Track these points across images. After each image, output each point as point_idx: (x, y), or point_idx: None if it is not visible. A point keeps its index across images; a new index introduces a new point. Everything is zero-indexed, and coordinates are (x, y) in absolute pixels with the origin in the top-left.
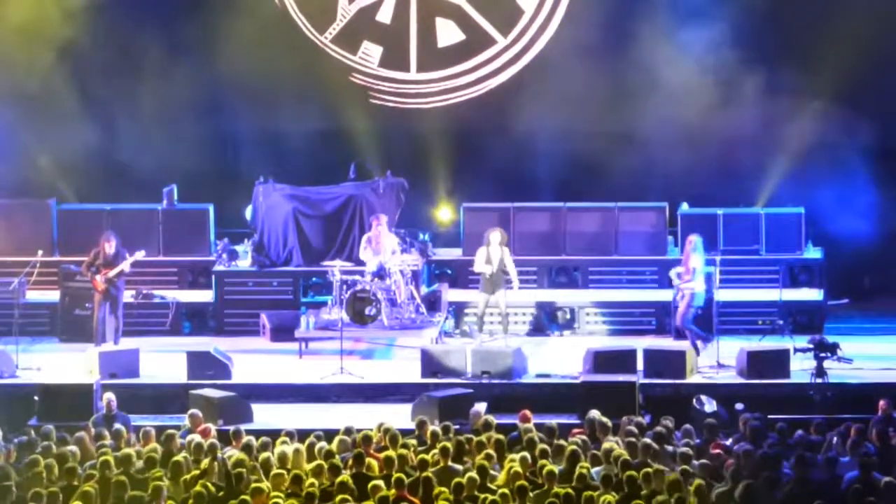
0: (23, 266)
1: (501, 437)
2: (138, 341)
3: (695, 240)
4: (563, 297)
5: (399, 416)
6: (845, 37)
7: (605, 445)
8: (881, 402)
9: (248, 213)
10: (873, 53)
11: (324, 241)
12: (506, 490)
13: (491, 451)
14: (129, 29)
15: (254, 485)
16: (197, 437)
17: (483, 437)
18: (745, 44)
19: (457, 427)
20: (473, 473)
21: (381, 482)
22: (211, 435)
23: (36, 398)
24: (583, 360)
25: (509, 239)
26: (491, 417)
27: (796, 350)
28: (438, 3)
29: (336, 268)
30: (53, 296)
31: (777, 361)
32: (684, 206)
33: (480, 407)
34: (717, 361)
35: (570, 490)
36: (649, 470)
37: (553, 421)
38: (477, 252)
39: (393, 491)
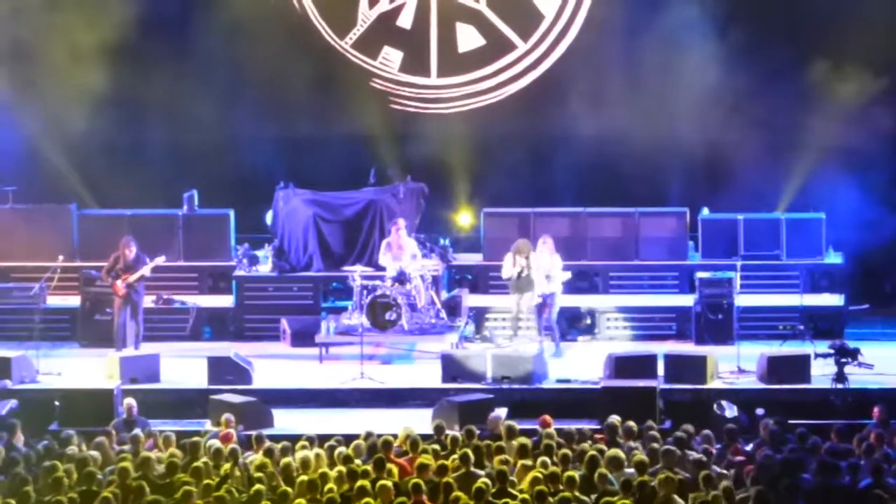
0: (44, 271)
1: (526, 441)
2: (159, 346)
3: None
4: (583, 302)
5: (419, 421)
6: (870, 40)
7: (625, 451)
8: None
9: (268, 218)
10: None
11: (344, 246)
12: (527, 496)
13: (508, 457)
14: (150, 35)
15: (280, 489)
16: (217, 443)
17: (503, 443)
18: (767, 50)
19: (478, 432)
20: (496, 479)
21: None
22: (232, 440)
23: (56, 403)
24: (603, 365)
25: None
26: (514, 423)
27: (817, 355)
28: (459, 9)
29: (356, 273)
30: (74, 301)
31: (798, 367)
32: (705, 211)
33: (500, 412)
34: (737, 367)
35: (589, 496)
36: (665, 476)
37: (573, 426)
38: (506, 257)
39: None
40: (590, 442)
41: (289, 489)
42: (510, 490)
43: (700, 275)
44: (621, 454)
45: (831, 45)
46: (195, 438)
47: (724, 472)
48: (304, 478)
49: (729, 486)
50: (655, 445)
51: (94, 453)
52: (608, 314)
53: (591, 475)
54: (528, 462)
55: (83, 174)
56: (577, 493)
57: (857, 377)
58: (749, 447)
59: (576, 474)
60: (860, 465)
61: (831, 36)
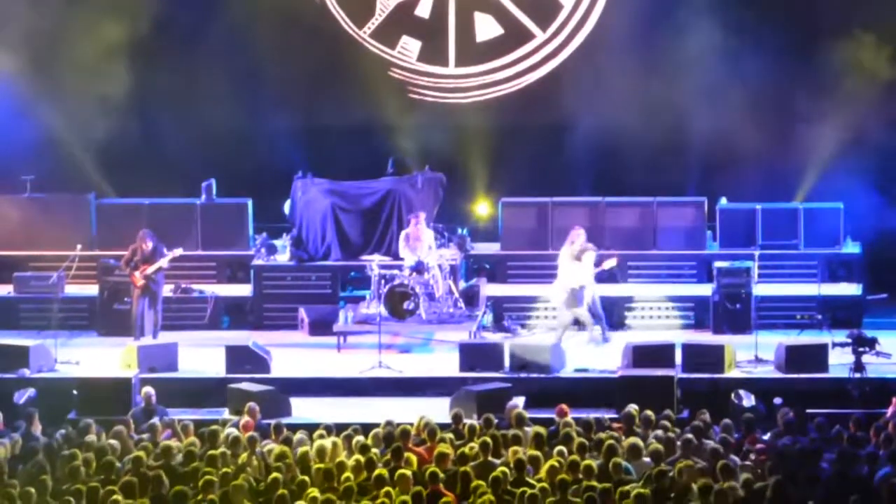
0: (62, 260)
1: (542, 430)
2: (177, 335)
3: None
4: (602, 291)
5: (437, 410)
6: (888, 28)
7: (642, 440)
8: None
9: (286, 207)
10: None
11: (362, 236)
12: (545, 484)
13: (519, 447)
14: (170, 26)
15: (297, 478)
16: (235, 431)
17: (521, 432)
18: (785, 38)
19: (496, 421)
20: (514, 468)
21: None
22: (251, 429)
23: (75, 392)
24: (621, 354)
25: (548, 233)
26: (524, 412)
27: (835, 345)
28: None
29: (374, 262)
30: (92, 290)
31: (816, 356)
32: (723, 201)
33: (518, 401)
34: (755, 356)
35: (607, 485)
36: (684, 464)
37: (591, 415)
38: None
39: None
40: (608, 431)
41: (306, 478)
42: (527, 479)
43: (718, 264)
44: (640, 443)
45: (849, 34)
46: (213, 427)
47: (742, 462)
48: (321, 466)
49: (749, 478)
50: (672, 435)
51: (113, 442)
52: (627, 304)
53: (609, 464)
54: (538, 453)
55: (101, 163)
56: (594, 482)
57: (875, 366)
58: (767, 436)
59: (593, 463)
60: (878, 454)
61: (850, 24)
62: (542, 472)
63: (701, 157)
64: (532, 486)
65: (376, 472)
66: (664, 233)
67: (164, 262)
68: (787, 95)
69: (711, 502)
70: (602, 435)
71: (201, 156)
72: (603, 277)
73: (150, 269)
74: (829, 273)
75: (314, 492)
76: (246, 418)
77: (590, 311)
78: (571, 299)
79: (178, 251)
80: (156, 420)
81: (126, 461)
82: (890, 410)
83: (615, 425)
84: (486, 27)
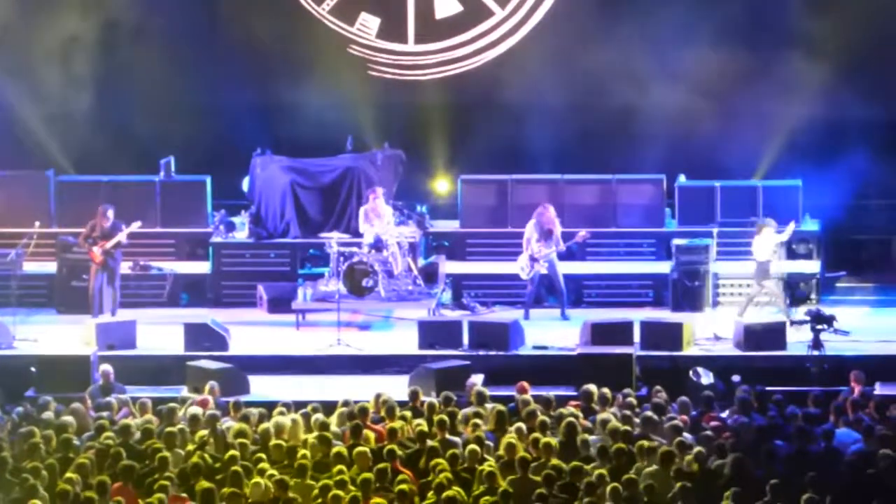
0: (20, 237)
1: (503, 408)
2: (135, 313)
3: None
4: (562, 269)
5: (397, 387)
6: (846, 9)
7: (601, 417)
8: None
9: (245, 184)
10: (873, 26)
11: (321, 213)
12: (502, 461)
13: (479, 422)
14: (129, 3)
15: (254, 455)
16: (196, 409)
17: (481, 409)
18: (745, 16)
19: (455, 399)
20: (473, 445)
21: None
22: (209, 406)
23: (33, 369)
24: (580, 332)
25: (507, 211)
26: (484, 389)
27: (793, 322)
28: None
29: (333, 239)
30: (51, 267)
31: (774, 334)
32: (682, 179)
33: (477, 379)
34: (714, 334)
35: (565, 462)
36: (644, 443)
37: (550, 393)
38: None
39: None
40: (570, 408)
41: (262, 455)
42: (486, 456)
43: (677, 242)
44: (598, 420)
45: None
46: (171, 405)
47: (701, 436)
48: (278, 443)
49: (701, 451)
50: (628, 412)
51: (69, 418)
52: (585, 281)
53: (568, 442)
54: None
55: (60, 140)
56: (554, 460)
57: (834, 344)
58: (724, 414)
59: (554, 441)
60: (834, 431)
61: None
62: (501, 450)
63: (660, 134)
64: (490, 464)
65: (334, 449)
66: (623, 210)
67: (122, 237)
68: (745, 73)
69: (671, 472)
70: (562, 411)
71: (160, 133)
72: (563, 255)
73: (110, 244)
74: (788, 251)
75: (271, 469)
76: (205, 396)
77: (554, 287)
78: (761, 272)
79: (137, 224)
80: (113, 398)
81: (84, 439)
82: (857, 389)
83: (573, 403)
84: (446, 4)
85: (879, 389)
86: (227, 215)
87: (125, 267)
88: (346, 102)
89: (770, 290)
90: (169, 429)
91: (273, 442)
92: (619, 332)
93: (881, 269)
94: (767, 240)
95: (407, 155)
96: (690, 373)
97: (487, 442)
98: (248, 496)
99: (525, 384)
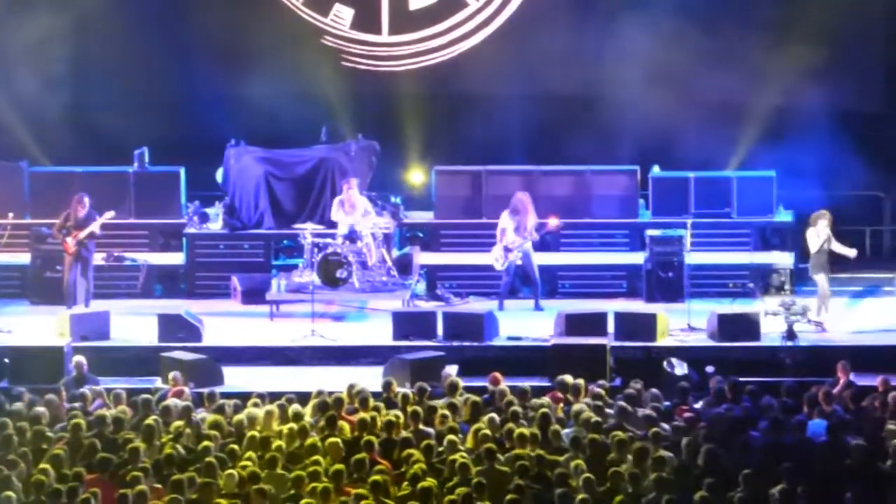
0: None
1: (477, 398)
2: (109, 304)
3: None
4: (536, 259)
5: (371, 378)
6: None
7: (575, 408)
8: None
9: (219, 175)
10: (847, 17)
11: (295, 204)
12: (476, 453)
13: (447, 413)
14: None
15: (228, 447)
16: (169, 400)
17: (455, 400)
18: (717, 8)
19: (429, 390)
20: (449, 436)
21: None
22: (185, 397)
23: (6, 360)
24: (554, 323)
25: (482, 202)
26: (458, 380)
27: (767, 313)
28: None
29: (307, 231)
30: (24, 258)
31: (748, 324)
32: (655, 169)
33: (451, 370)
34: (688, 324)
35: (539, 452)
36: (618, 434)
37: (526, 384)
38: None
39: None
40: (547, 399)
41: (235, 447)
42: (459, 447)
43: (650, 233)
44: (572, 411)
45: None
46: (145, 396)
47: (675, 427)
48: (252, 434)
49: (676, 442)
50: (599, 403)
51: (42, 409)
52: (560, 272)
53: (542, 432)
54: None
55: (34, 131)
56: (527, 451)
57: (807, 335)
58: (698, 405)
59: (527, 431)
60: (806, 423)
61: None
62: (472, 441)
63: (634, 125)
64: (464, 454)
65: (308, 440)
66: (597, 201)
67: (95, 227)
68: (719, 64)
69: (647, 467)
70: (535, 402)
71: (134, 124)
72: (537, 245)
73: (83, 235)
74: (761, 241)
75: (244, 460)
76: (178, 387)
77: (529, 278)
78: (819, 265)
79: (110, 214)
80: (87, 389)
81: (57, 430)
82: (842, 380)
83: (549, 393)
84: None
85: (854, 380)
86: (201, 206)
87: (99, 258)
88: (320, 93)
89: (819, 282)
90: (146, 421)
91: (247, 433)
92: (593, 322)
93: (855, 260)
94: (821, 232)
95: (381, 146)
96: (664, 363)
97: (460, 435)
98: (221, 487)
99: (498, 375)
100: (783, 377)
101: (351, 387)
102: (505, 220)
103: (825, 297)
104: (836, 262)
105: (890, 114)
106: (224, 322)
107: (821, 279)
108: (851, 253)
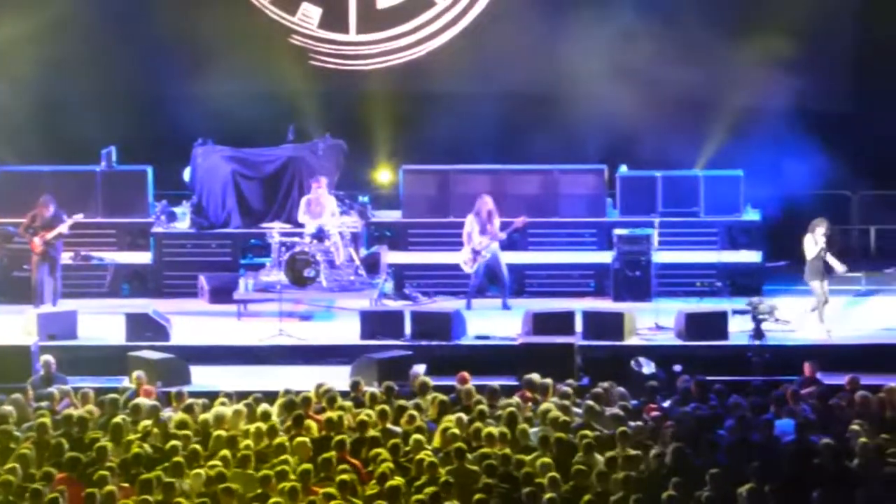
0: None
1: (444, 397)
2: (77, 303)
3: None
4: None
5: (339, 377)
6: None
7: (543, 407)
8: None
9: (186, 174)
10: (814, 15)
11: (263, 203)
12: (443, 451)
13: (415, 413)
14: None
15: (193, 446)
16: (138, 399)
17: (424, 399)
18: (684, 8)
19: (397, 389)
20: (416, 435)
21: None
22: (153, 396)
23: None
24: (522, 322)
25: (450, 201)
26: (428, 379)
27: (734, 312)
28: None
29: (275, 230)
30: None
31: (715, 323)
32: (623, 169)
33: (419, 369)
34: (655, 323)
35: (507, 451)
36: (586, 433)
37: (494, 383)
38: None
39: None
40: (516, 398)
41: (199, 448)
42: (426, 446)
43: (618, 232)
44: (540, 410)
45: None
46: (112, 395)
47: (642, 426)
48: (219, 433)
49: (643, 441)
50: (567, 402)
51: (9, 408)
52: (527, 271)
53: (510, 431)
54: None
55: (1, 131)
56: (495, 450)
57: (775, 334)
58: (666, 404)
59: (495, 430)
60: (774, 422)
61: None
62: (440, 440)
63: (602, 124)
64: (431, 453)
65: (276, 440)
66: (565, 200)
67: (63, 228)
68: (687, 64)
69: (615, 466)
70: (503, 401)
71: (101, 123)
72: (504, 244)
73: (51, 235)
74: (729, 240)
75: (213, 459)
76: (143, 386)
77: (497, 277)
78: (815, 271)
79: (79, 216)
80: (55, 388)
81: (24, 429)
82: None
83: (517, 392)
84: None
85: (821, 379)
86: (169, 205)
87: (66, 257)
88: (287, 92)
89: (814, 289)
90: (113, 420)
91: (214, 432)
92: (561, 321)
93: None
94: (818, 239)
95: (349, 145)
96: (632, 362)
97: (428, 434)
98: (188, 487)
99: (465, 374)
100: (751, 376)
101: (319, 386)
102: (470, 223)
103: (821, 302)
104: (803, 261)
105: (857, 113)
106: (192, 321)
107: (816, 286)
108: (841, 269)
